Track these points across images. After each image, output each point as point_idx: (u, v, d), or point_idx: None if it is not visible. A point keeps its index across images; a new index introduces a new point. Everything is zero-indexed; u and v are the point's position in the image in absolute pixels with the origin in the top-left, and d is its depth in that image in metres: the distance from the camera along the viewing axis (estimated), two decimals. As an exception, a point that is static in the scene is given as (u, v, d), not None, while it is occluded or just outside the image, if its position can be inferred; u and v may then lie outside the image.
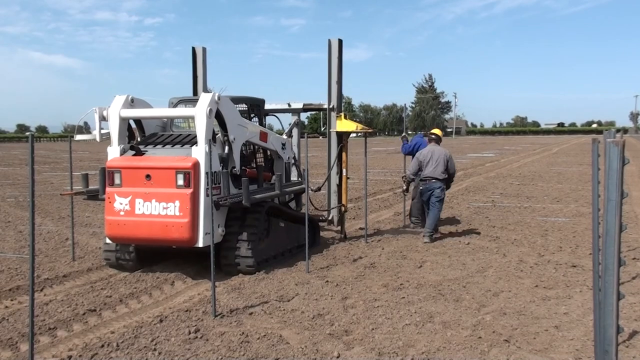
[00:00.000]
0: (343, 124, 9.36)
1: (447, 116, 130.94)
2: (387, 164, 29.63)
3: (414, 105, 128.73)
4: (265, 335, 5.10)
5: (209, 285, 6.11)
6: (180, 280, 7.14)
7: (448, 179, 9.85)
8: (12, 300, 6.33)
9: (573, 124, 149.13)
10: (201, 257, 7.43)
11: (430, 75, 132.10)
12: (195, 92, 10.22)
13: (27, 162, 3.90)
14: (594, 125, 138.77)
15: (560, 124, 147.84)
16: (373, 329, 5.26)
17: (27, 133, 4.01)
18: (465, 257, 8.17)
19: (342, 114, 9.47)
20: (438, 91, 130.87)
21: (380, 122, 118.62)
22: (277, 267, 7.68)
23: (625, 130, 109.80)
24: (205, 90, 10.17)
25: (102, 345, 4.91)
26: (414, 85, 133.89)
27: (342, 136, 9.48)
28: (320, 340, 5.00)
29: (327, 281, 6.91)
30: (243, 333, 5.16)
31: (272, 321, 5.55)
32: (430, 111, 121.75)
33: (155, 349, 4.83)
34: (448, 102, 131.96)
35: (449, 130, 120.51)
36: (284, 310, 5.85)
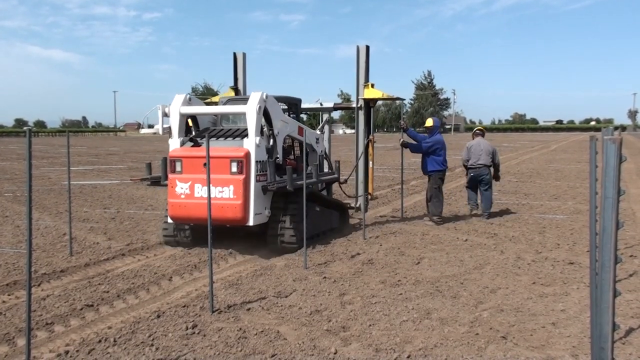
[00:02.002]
0: (370, 92, 10.45)
1: (445, 113, 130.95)
2: (385, 160, 29.61)
3: (413, 102, 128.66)
4: (262, 331, 5.10)
5: (207, 281, 6.11)
6: (177, 276, 7.14)
7: (496, 169, 11.65)
8: (9, 295, 6.32)
9: (571, 121, 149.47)
10: (250, 235, 8.82)
11: (429, 72, 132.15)
12: (236, 93, 11.32)
13: (25, 156, 3.89)
14: (593, 123, 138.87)
15: (559, 121, 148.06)
16: (370, 325, 5.26)
17: (25, 128, 3.99)
18: (463, 253, 8.18)
19: (370, 83, 10.53)
20: (437, 88, 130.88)
21: (379, 119, 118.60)
22: (275, 263, 7.69)
23: (623, 128, 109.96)
24: (245, 90, 11.39)
25: (100, 341, 4.91)
26: (413, 82, 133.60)
27: (369, 103, 10.59)
28: (317, 337, 5.00)
29: (325, 277, 6.91)
30: (240, 329, 5.16)
31: (269, 317, 5.55)
32: (429, 108, 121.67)
33: (152, 345, 4.83)
34: (447, 99, 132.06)
35: (447, 127, 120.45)
36: (281, 306, 5.86)
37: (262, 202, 8.19)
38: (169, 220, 8.50)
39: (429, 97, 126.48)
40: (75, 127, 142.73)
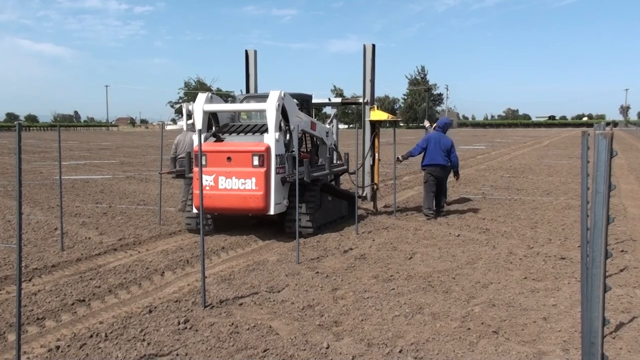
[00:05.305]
0: (376, 114, 11.00)
1: (439, 108, 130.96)
2: (379, 155, 29.59)
3: (406, 97, 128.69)
4: (254, 326, 5.10)
5: (199, 276, 6.10)
6: (170, 271, 7.12)
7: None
8: (0, 290, 6.29)
9: (564, 117, 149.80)
10: (268, 224, 9.54)
11: (422, 67, 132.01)
12: (247, 89, 11.92)
13: (15, 151, 3.86)
14: (585, 119, 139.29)
15: (551, 117, 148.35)
16: (363, 320, 5.27)
17: (16, 122, 3.95)
18: (455, 249, 8.20)
19: (375, 106, 11.20)
20: (430, 83, 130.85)
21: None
22: (267, 258, 7.69)
23: (615, 124, 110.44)
24: (256, 87, 11.96)
25: (91, 336, 4.89)
26: (406, 77, 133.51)
27: (375, 124, 11.07)
28: (309, 331, 5.01)
29: (318, 272, 6.92)
30: (232, 324, 5.16)
31: (261, 312, 5.55)
32: (422, 103, 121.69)
33: (144, 340, 4.82)
34: (440, 94, 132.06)
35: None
36: (273, 301, 5.85)
37: (281, 193, 8.74)
38: (194, 210, 8.97)
39: (422, 92, 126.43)
40: (67, 122, 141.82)
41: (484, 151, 35.01)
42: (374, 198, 11.48)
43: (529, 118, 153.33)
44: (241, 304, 5.76)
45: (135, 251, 8.22)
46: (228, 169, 8.51)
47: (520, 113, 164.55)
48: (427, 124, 12.94)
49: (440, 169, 10.97)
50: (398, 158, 11.32)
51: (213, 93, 9.77)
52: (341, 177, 11.88)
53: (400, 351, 4.57)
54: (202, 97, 9.13)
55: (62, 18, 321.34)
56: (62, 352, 4.59)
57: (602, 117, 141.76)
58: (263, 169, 8.39)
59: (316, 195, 9.20)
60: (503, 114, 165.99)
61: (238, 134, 9.17)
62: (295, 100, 9.57)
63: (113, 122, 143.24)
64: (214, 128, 9.45)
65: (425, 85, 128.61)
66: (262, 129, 8.93)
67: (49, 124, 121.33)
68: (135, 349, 4.63)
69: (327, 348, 4.65)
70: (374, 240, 8.82)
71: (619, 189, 14.33)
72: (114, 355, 4.52)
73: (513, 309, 5.56)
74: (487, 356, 4.48)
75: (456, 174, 11.38)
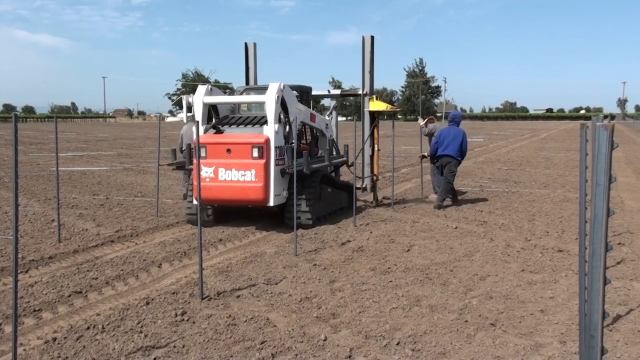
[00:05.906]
0: (375, 105, 11.01)
1: (436, 101, 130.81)
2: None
3: (404, 90, 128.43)
4: (252, 318, 5.09)
5: (196, 268, 6.09)
6: (167, 263, 7.11)
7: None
8: (-4, 281, 6.27)
9: (561, 110, 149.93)
10: (266, 216, 9.56)
11: (421, 60, 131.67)
12: (247, 82, 11.86)
13: (12, 142, 3.84)
14: (582, 112, 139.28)
15: (549, 110, 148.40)
16: (360, 312, 5.27)
17: (12, 113, 3.93)
18: (453, 241, 8.20)
19: (374, 96, 11.15)
20: (428, 75, 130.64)
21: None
22: (265, 250, 7.68)
23: (612, 117, 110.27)
24: (256, 79, 11.96)
25: (88, 327, 4.88)
26: (404, 69, 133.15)
27: (374, 115, 11.05)
28: (307, 324, 5.00)
29: (315, 264, 6.91)
30: (230, 316, 5.15)
31: (259, 304, 5.54)
32: (420, 96, 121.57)
33: (141, 331, 4.81)
34: (438, 87, 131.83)
35: (438, 114, 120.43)
36: (271, 293, 5.85)
37: (281, 184, 8.79)
38: (194, 202, 8.90)
39: (420, 84, 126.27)
40: (64, 113, 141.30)
41: (481, 144, 34.99)
42: (374, 189, 11.49)
43: (527, 111, 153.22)
44: (239, 296, 5.75)
45: (133, 243, 8.20)
46: (228, 160, 8.56)
47: (518, 106, 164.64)
48: (421, 122, 13.17)
49: (448, 159, 11.23)
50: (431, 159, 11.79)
51: (212, 85, 9.76)
52: (340, 169, 11.86)
53: (397, 343, 4.57)
54: (202, 89, 9.16)
55: (59, 9, 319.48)
56: (58, 343, 4.58)
57: (599, 110, 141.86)
58: (262, 161, 8.44)
59: (316, 187, 9.23)
60: (501, 107, 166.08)
61: (238, 125, 9.23)
62: (294, 92, 9.56)
63: (110, 114, 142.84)
64: (213, 120, 9.47)
65: (423, 78, 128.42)
66: (262, 121, 8.97)
67: (46, 115, 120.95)
68: (132, 341, 4.62)
69: (324, 340, 4.64)
70: (371, 232, 8.82)
71: (617, 182, 14.34)
72: (111, 347, 4.51)
73: (510, 302, 5.57)
74: (485, 348, 4.48)
75: None
